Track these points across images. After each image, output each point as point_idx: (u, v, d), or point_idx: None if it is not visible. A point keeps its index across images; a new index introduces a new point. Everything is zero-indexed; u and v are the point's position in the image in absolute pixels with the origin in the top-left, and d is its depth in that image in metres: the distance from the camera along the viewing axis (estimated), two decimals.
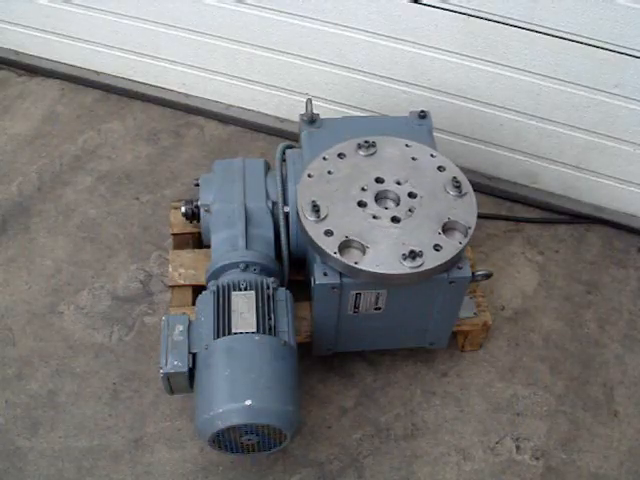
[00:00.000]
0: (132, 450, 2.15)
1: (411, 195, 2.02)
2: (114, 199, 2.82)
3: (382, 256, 1.88)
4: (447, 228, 1.95)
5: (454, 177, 2.03)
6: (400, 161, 2.10)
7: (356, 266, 1.85)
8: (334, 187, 2.03)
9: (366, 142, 2.11)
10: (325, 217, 1.95)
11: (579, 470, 2.15)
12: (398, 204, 2.00)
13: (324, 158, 2.09)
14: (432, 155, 2.11)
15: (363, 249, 1.89)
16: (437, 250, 1.90)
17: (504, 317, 2.49)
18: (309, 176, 2.05)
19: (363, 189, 2.02)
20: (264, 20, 2.70)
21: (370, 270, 1.85)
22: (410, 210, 1.98)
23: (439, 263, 1.87)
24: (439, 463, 2.15)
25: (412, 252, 1.86)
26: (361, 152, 2.10)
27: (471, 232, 1.94)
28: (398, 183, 2.04)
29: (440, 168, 2.08)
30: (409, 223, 1.95)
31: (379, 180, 2.05)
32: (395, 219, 1.96)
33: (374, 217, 1.96)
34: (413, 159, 2.10)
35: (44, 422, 2.19)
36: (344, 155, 2.10)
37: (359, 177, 2.05)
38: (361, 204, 1.99)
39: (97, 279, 2.55)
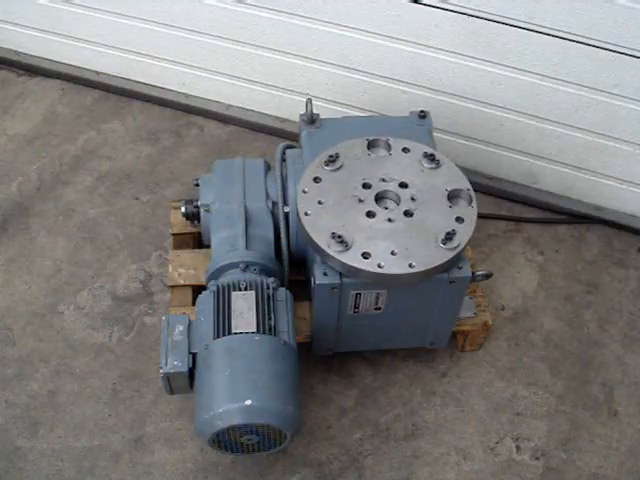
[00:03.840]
0: (132, 450, 2.15)
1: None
2: (114, 199, 2.82)
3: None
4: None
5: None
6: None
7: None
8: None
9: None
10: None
11: (579, 470, 2.15)
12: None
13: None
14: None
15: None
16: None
17: (504, 317, 2.49)
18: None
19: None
20: (264, 20, 2.70)
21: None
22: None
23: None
24: (439, 463, 2.15)
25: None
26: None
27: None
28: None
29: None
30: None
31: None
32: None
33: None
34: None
35: (44, 422, 2.20)
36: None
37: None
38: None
39: (97, 279, 2.55)
